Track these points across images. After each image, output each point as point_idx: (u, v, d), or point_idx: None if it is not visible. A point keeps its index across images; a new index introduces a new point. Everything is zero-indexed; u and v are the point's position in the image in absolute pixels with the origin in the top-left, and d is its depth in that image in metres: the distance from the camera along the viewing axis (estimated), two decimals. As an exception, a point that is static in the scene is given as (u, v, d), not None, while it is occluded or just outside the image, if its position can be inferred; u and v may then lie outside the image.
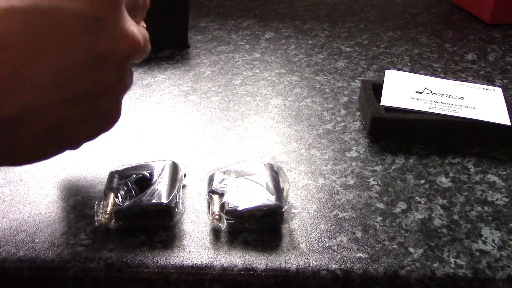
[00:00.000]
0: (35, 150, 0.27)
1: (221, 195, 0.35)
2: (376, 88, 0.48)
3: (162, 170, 0.36)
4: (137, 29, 0.27)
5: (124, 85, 0.29)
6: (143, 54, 0.30)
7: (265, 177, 0.36)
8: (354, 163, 0.42)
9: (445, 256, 0.33)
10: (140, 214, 0.34)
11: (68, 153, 0.42)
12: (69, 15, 0.23)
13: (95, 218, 0.34)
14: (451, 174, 0.41)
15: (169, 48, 0.62)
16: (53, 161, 0.41)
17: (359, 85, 0.52)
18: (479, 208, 0.37)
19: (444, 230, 0.35)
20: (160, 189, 0.34)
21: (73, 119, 0.27)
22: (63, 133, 0.27)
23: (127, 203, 0.34)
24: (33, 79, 0.23)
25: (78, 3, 0.24)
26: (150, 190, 0.34)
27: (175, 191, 0.35)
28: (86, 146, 0.43)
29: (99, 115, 0.29)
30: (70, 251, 0.33)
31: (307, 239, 0.34)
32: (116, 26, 0.26)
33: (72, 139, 0.29)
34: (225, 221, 0.34)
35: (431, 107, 0.45)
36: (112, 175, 0.37)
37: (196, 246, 0.33)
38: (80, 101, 0.26)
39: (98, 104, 0.28)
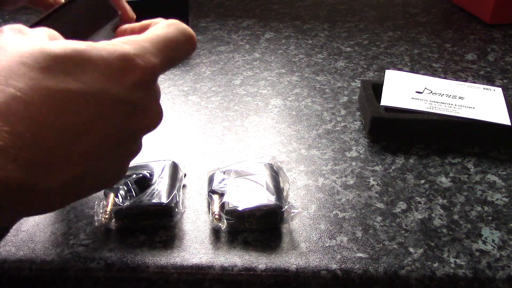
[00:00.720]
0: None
1: (221, 195, 0.35)
2: (376, 88, 0.48)
3: (162, 170, 0.36)
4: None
5: (138, 149, 0.30)
6: None
7: (265, 177, 0.36)
8: (354, 163, 0.42)
9: (445, 256, 0.33)
10: (140, 214, 0.34)
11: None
12: (114, 99, 0.25)
13: (95, 218, 0.34)
14: (451, 174, 0.41)
15: (169, 48, 0.62)
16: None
17: (359, 85, 0.52)
18: (479, 208, 0.37)
19: (444, 230, 0.35)
20: (160, 189, 0.34)
21: (96, 176, 0.28)
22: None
23: (127, 203, 0.34)
24: (76, 155, 0.24)
25: (121, 89, 0.25)
26: (150, 190, 0.34)
27: (175, 191, 0.35)
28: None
29: (112, 174, 0.30)
30: (70, 251, 0.33)
31: (307, 239, 0.34)
32: (151, 109, 0.27)
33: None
34: (225, 221, 0.34)
35: (431, 107, 0.45)
36: (112, 175, 0.37)
37: (196, 246, 0.33)
38: (110, 165, 0.28)
39: (117, 165, 0.29)
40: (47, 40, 0.24)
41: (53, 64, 0.23)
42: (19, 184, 0.21)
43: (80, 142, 0.24)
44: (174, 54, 0.28)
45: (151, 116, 0.28)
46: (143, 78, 0.26)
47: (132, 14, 0.36)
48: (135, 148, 0.29)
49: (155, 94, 0.28)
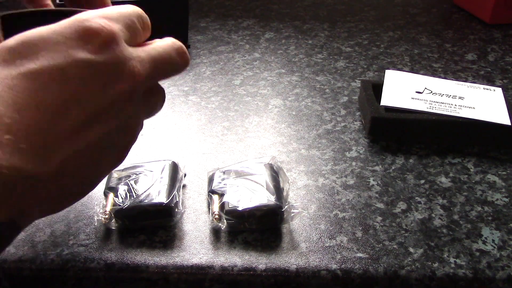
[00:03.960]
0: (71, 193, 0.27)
1: (221, 195, 0.35)
2: (376, 88, 0.48)
3: (162, 170, 0.36)
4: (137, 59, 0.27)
5: (134, 126, 0.29)
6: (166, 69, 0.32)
7: (265, 177, 0.36)
8: (354, 163, 0.42)
9: (445, 256, 0.33)
10: (140, 214, 0.34)
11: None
12: (79, 65, 0.24)
13: (95, 218, 0.34)
14: (451, 174, 0.41)
15: (169, 48, 0.62)
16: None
17: (359, 85, 0.52)
18: (479, 208, 0.37)
19: (444, 230, 0.35)
20: (160, 189, 0.34)
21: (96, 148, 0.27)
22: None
23: (127, 203, 0.34)
24: (64, 131, 0.24)
25: (84, 53, 0.24)
26: (150, 190, 0.34)
27: (175, 191, 0.35)
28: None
29: (111, 155, 0.28)
30: (70, 251, 0.33)
31: (307, 239, 0.34)
32: (125, 68, 0.26)
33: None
34: (225, 221, 0.34)
35: (431, 107, 0.45)
36: (112, 175, 0.37)
37: (196, 246, 0.33)
38: (105, 140, 0.27)
39: (114, 142, 0.28)
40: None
41: (8, 54, 0.23)
42: (9, 168, 0.21)
43: (65, 116, 0.23)
44: (156, 54, 0.29)
45: (127, 77, 0.26)
46: (104, 39, 0.25)
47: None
48: (130, 122, 0.28)
49: (125, 57, 0.26)
